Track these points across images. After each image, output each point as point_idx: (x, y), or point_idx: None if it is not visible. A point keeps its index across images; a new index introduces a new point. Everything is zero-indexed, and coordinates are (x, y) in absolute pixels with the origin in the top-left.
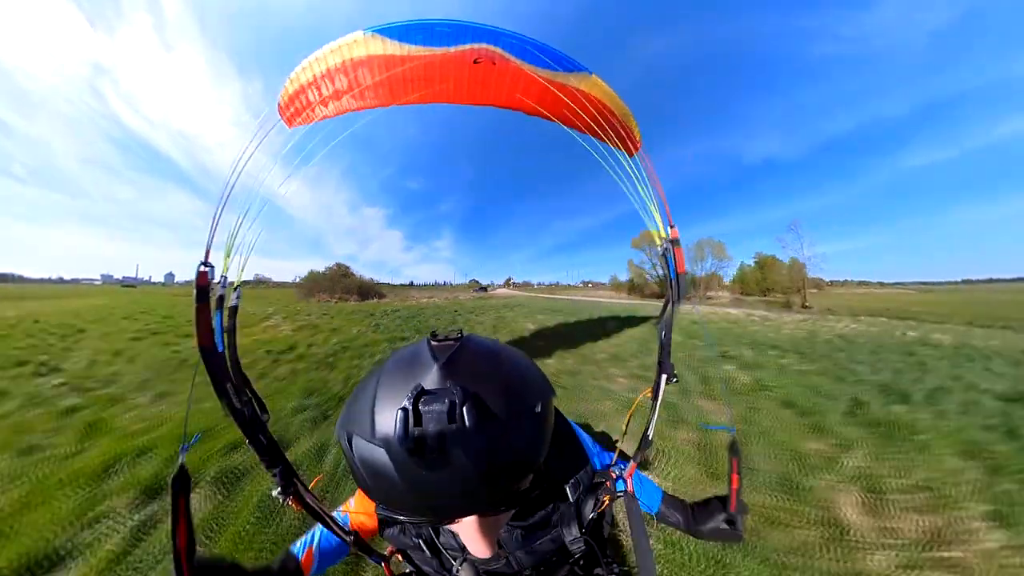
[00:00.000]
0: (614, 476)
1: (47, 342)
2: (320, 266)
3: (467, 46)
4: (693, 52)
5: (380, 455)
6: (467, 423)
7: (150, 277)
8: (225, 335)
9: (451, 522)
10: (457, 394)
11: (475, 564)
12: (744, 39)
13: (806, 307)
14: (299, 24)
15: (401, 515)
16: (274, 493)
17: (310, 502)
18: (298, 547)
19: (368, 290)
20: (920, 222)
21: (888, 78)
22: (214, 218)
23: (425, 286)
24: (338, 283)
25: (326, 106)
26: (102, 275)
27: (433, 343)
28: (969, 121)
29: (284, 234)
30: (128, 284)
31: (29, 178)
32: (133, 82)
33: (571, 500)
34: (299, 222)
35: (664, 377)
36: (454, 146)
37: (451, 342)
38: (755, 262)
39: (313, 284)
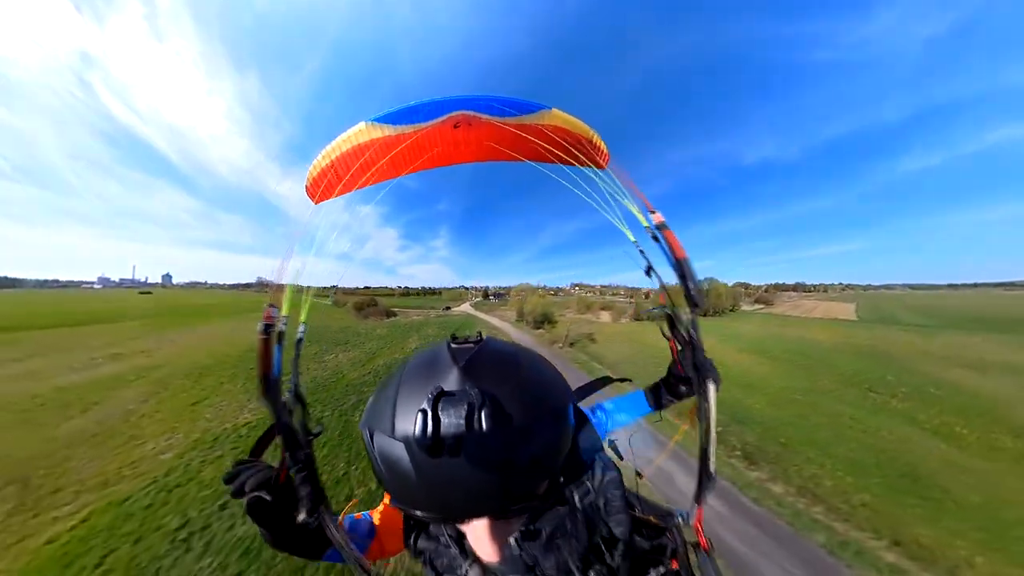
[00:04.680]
0: (678, 524)
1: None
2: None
3: (447, 115)
4: (692, 57)
5: (398, 452)
6: (484, 426)
7: (147, 278)
8: (288, 361)
9: (461, 522)
10: (475, 397)
11: (483, 567)
12: (743, 44)
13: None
14: (294, 13)
15: (414, 510)
16: (299, 517)
17: (330, 528)
18: (339, 519)
19: (389, 312)
20: (912, 224)
21: (884, 84)
22: (279, 269)
23: (418, 293)
24: (374, 306)
25: (343, 186)
26: (99, 278)
27: (452, 346)
28: (962, 126)
29: (281, 231)
30: (144, 291)
31: (14, 174)
32: (123, 74)
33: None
34: (293, 221)
35: (712, 385)
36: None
37: (470, 345)
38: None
39: (362, 307)
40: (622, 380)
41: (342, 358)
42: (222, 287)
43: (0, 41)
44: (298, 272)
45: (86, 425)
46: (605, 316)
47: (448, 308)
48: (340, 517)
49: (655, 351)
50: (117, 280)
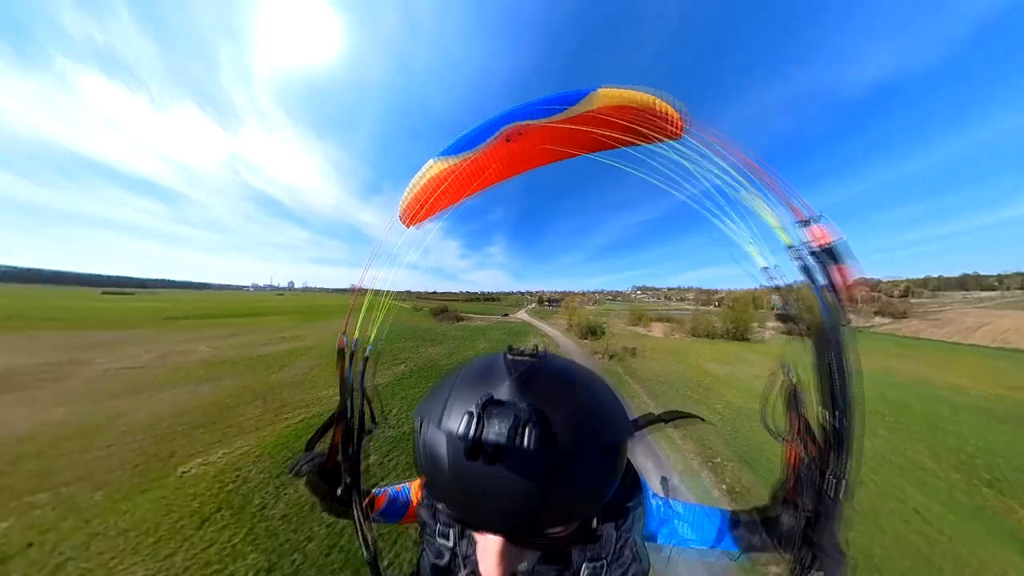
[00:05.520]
0: None
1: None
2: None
3: (498, 132)
4: None
5: (440, 445)
6: (526, 443)
7: (279, 284)
8: (359, 375)
9: (477, 531)
10: (523, 411)
11: None
12: None
13: None
14: (352, 93)
15: (438, 502)
16: (337, 493)
17: (355, 508)
18: (378, 489)
19: (459, 317)
20: None
21: None
22: (351, 305)
23: (479, 298)
24: (446, 312)
25: (425, 212)
26: (252, 284)
27: (509, 356)
28: None
29: (364, 247)
30: (279, 292)
31: (204, 226)
32: (253, 159)
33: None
34: (372, 240)
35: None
36: None
37: (527, 358)
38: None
39: (438, 312)
40: (690, 416)
41: (432, 351)
42: (326, 290)
43: (192, 158)
44: (380, 281)
45: (284, 377)
46: (657, 330)
47: (506, 315)
48: (381, 495)
49: (695, 372)
50: (262, 285)
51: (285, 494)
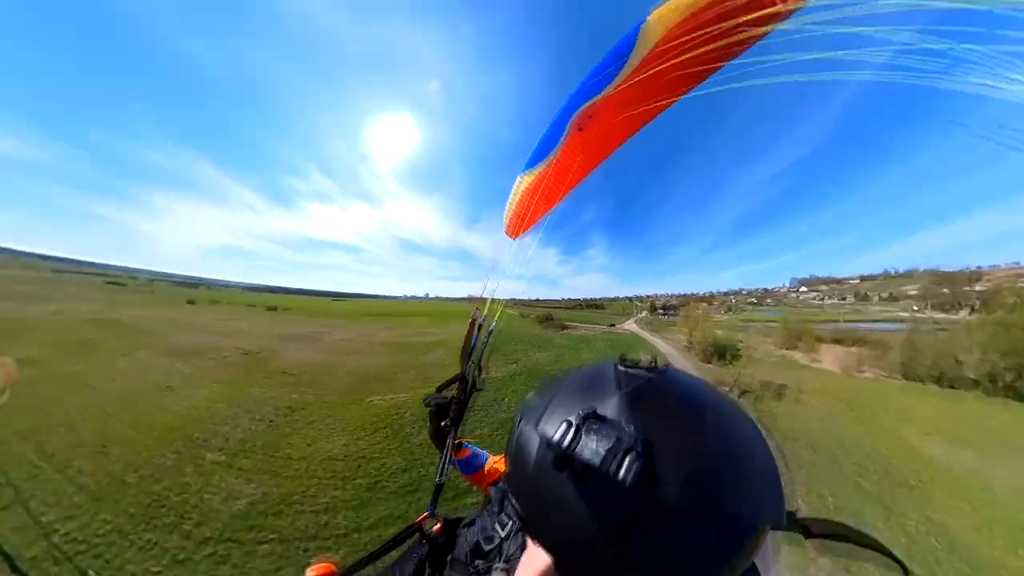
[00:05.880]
0: None
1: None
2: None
3: (567, 127)
4: None
5: (532, 444)
6: (623, 475)
7: (417, 294)
8: (484, 347)
9: (533, 539)
10: (628, 436)
11: None
12: None
13: None
14: (440, 157)
15: (511, 495)
16: (442, 423)
17: (448, 441)
18: (468, 442)
19: (563, 325)
20: None
21: None
22: (484, 287)
23: (582, 305)
24: (551, 319)
25: (525, 223)
26: (402, 294)
27: (620, 367)
28: None
29: (473, 265)
30: (419, 300)
31: (372, 262)
32: (393, 219)
33: None
34: (481, 257)
35: None
36: None
37: (643, 371)
38: None
39: (543, 320)
40: (880, 550)
41: (540, 356)
42: (450, 299)
43: (362, 228)
44: (491, 289)
45: (428, 359)
46: (829, 357)
47: (613, 326)
48: (467, 448)
49: (887, 446)
50: (408, 295)
51: (423, 430)
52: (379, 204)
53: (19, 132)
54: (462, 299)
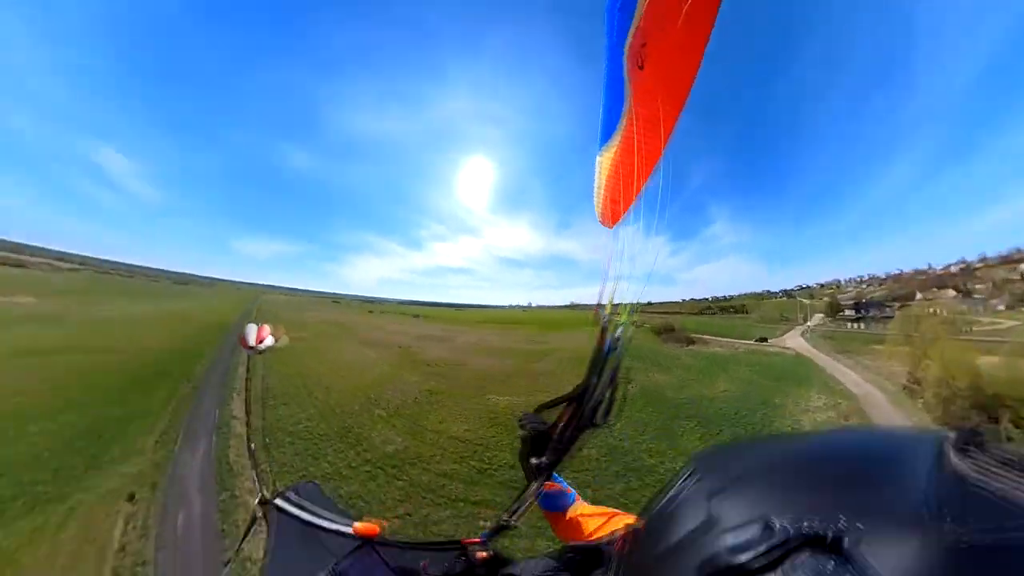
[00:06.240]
0: None
1: None
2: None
3: (624, 72)
4: None
5: (694, 518)
6: None
7: (521, 303)
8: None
9: None
10: None
11: None
12: None
13: None
14: (519, 181)
15: (623, 570)
16: (533, 460)
17: (536, 481)
18: (558, 476)
19: (689, 339)
20: None
21: None
22: (603, 285)
23: (711, 307)
24: (671, 331)
25: (622, 205)
26: (508, 304)
27: (954, 447)
28: None
29: (571, 271)
30: (523, 309)
31: (482, 279)
32: (492, 242)
33: None
34: (577, 260)
35: None
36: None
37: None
38: None
39: (661, 332)
40: None
41: (659, 378)
42: (550, 307)
43: (469, 253)
44: (611, 289)
45: (538, 367)
46: None
47: (764, 340)
48: (556, 483)
49: None
50: (515, 304)
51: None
52: (479, 233)
53: (285, 241)
54: (562, 307)
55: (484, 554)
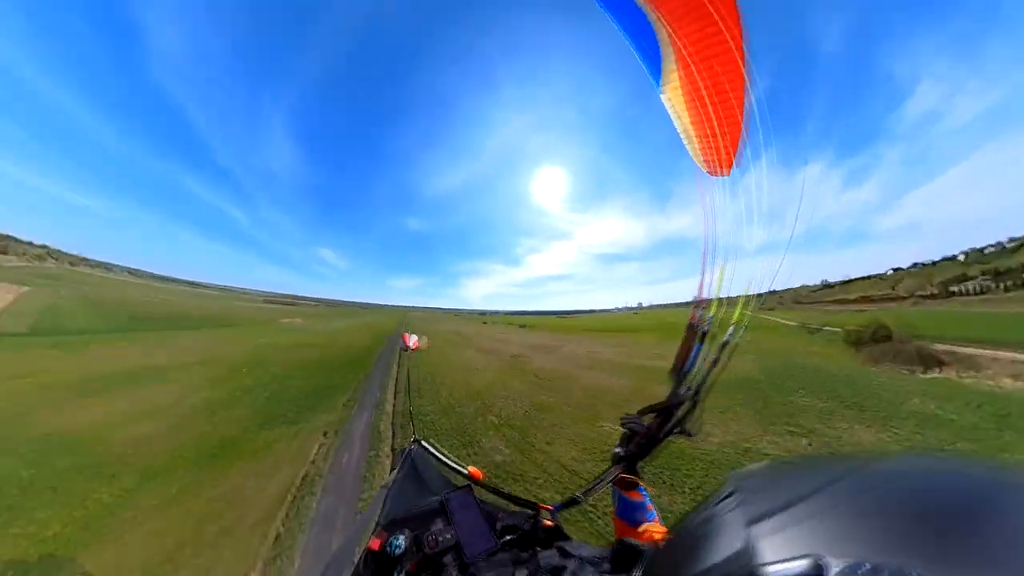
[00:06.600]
0: None
1: None
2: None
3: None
4: None
5: (727, 540)
6: None
7: (630, 304)
8: (704, 359)
9: None
10: None
11: None
12: None
13: None
14: (597, 175)
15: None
16: (620, 453)
17: (622, 480)
18: (642, 486)
19: (939, 360)
20: None
21: None
22: (701, 278)
23: (964, 277)
24: (887, 341)
25: (727, 146)
26: (614, 307)
27: None
28: None
29: (689, 254)
30: (633, 311)
31: (583, 281)
32: (584, 242)
33: None
34: (690, 237)
35: None
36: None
37: None
38: None
39: (863, 342)
40: None
41: (863, 435)
42: (667, 306)
43: (564, 258)
44: (716, 279)
45: (661, 391)
46: None
47: None
48: (638, 491)
49: None
50: (620, 307)
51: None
52: (569, 236)
53: (419, 276)
54: (682, 304)
55: (550, 523)
